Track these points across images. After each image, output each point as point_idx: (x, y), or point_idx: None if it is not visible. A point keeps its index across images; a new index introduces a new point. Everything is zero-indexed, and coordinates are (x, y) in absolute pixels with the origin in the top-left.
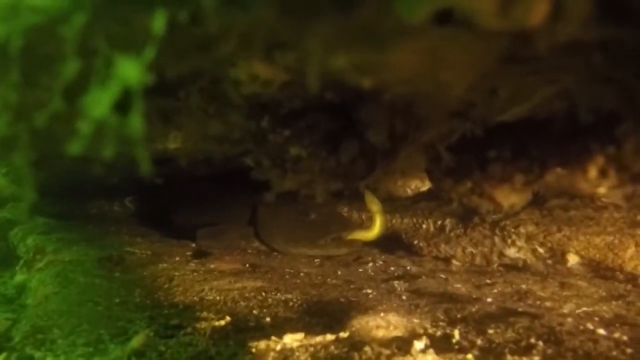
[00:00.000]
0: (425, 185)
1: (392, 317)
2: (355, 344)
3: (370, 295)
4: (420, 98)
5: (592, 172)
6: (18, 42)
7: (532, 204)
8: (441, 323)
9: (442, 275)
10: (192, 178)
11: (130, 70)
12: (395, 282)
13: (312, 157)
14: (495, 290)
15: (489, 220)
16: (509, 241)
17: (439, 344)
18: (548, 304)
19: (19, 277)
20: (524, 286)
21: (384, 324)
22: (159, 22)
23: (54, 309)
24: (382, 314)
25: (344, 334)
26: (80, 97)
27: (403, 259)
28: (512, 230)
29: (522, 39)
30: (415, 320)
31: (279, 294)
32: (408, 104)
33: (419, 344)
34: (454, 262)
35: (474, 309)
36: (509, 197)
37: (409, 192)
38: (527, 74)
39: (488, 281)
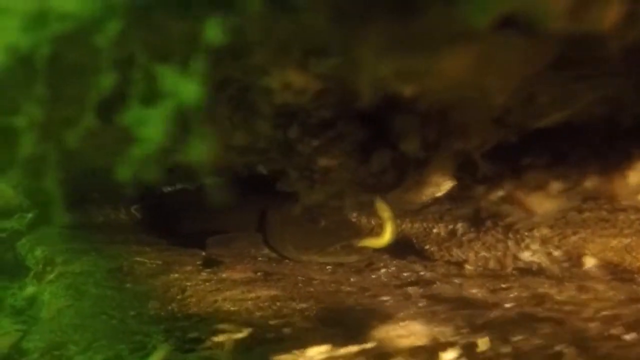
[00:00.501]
0: (441, 192)
1: (414, 326)
2: (383, 355)
3: (387, 303)
4: (461, 105)
5: (633, 178)
6: (45, 52)
7: None
8: (463, 330)
9: (456, 281)
10: (199, 186)
11: (186, 86)
12: (410, 289)
13: (342, 167)
14: (511, 295)
15: (501, 224)
16: (523, 245)
17: (468, 353)
18: (567, 308)
19: (30, 289)
20: (540, 290)
21: (405, 333)
22: (213, 31)
23: (68, 323)
24: (402, 323)
25: (368, 345)
26: (118, 114)
27: (415, 264)
28: (526, 233)
29: (583, 42)
30: (437, 329)
31: (293, 303)
32: (444, 111)
33: (449, 354)
34: (467, 266)
35: (494, 315)
36: (543, 204)
37: (424, 198)
38: (571, 79)
39: (503, 285)
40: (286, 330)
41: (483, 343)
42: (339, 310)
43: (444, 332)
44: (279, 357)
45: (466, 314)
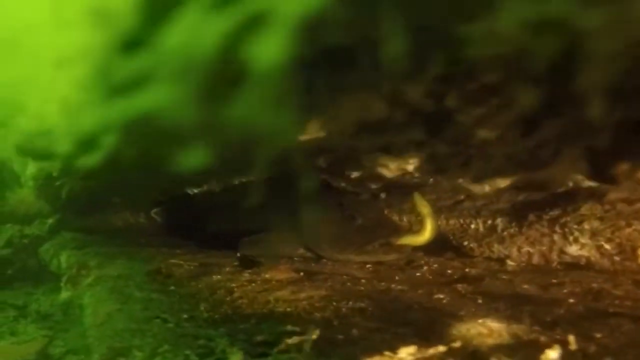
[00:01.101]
0: (505, 183)
1: (491, 324)
2: (474, 353)
3: (445, 301)
4: None
5: None
6: None
7: (590, 198)
8: (536, 328)
9: (504, 277)
10: (225, 187)
11: None
12: (459, 286)
13: (501, 140)
14: (565, 290)
15: (546, 217)
16: (571, 238)
17: (565, 352)
18: (628, 303)
19: (64, 294)
20: (594, 285)
21: (486, 332)
22: None
23: (123, 327)
24: (480, 320)
25: (455, 344)
26: None
27: (454, 261)
28: (575, 227)
29: None
30: (515, 326)
31: (350, 302)
32: None
33: (553, 353)
34: (509, 262)
35: (561, 312)
36: None
37: (487, 189)
38: None
39: (554, 281)
40: (354, 331)
41: (571, 341)
42: (399, 310)
43: (522, 329)
44: (370, 358)
45: (530, 310)
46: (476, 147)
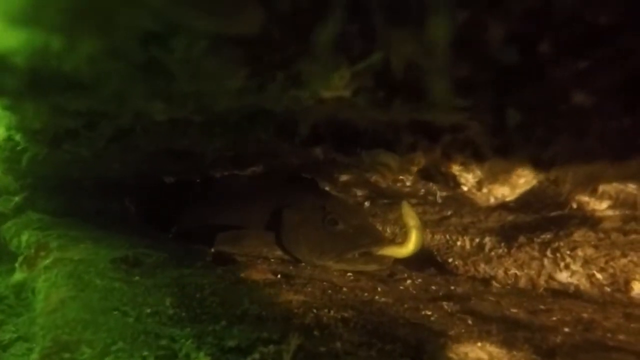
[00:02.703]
0: (514, 195)
1: (490, 348)
2: None
3: (432, 318)
4: None
5: None
6: None
7: (584, 225)
8: (535, 357)
9: (491, 298)
10: (206, 179)
11: None
12: (445, 303)
13: (598, 110)
14: (554, 318)
15: (537, 240)
16: (562, 264)
17: None
18: (622, 337)
19: (18, 275)
20: (585, 315)
21: (486, 357)
22: None
23: (76, 317)
24: (479, 344)
25: None
26: None
27: (436, 277)
28: (568, 252)
29: None
30: (515, 353)
31: (331, 311)
32: None
33: None
34: (494, 283)
35: (559, 341)
36: None
37: (492, 201)
38: None
39: (542, 307)
40: (338, 344)
41: None
42: (385, 323)
43: (523, 357)
44: None
45: (525, 336)
46: (567, 115)
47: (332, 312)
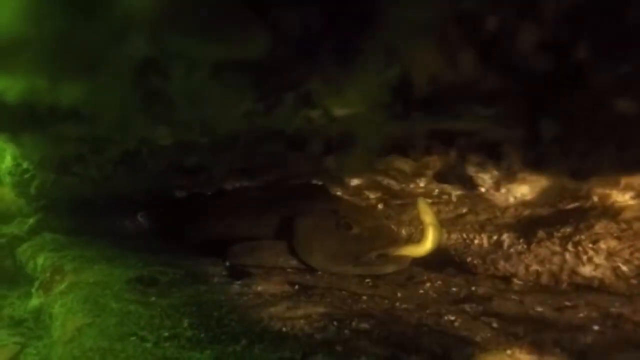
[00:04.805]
0: (534, 193)
1: (521, 355)
2: None
3: (456, 323)
4: None
5: None
6: None
7: (604, 216)
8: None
9: (513, 297)
10: (218, 191)
11: None
12: (467, 306)
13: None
14: (581, 314)
15: (557, 235)
16: (585, 258)
17: None
18: None
19: (35, 301)
20: (612, 309)
21: None
22: None
23: (92, 346)
24: (508, 352)
25: None
26: None
27: (455, 277)
28: (590, 245)
29: None
30: (547, 358)
31: (352, 322)
32: None
33: None
34: (515, 281)
35: (588, 340)
36: None
37: (511, 200)
38: None
39: (567, 303)
40: (363, 359)
41: None
42: (408, 333)
43: None
44: None
45: (554, 338)
46: (607, 126)
47: (353, 324)
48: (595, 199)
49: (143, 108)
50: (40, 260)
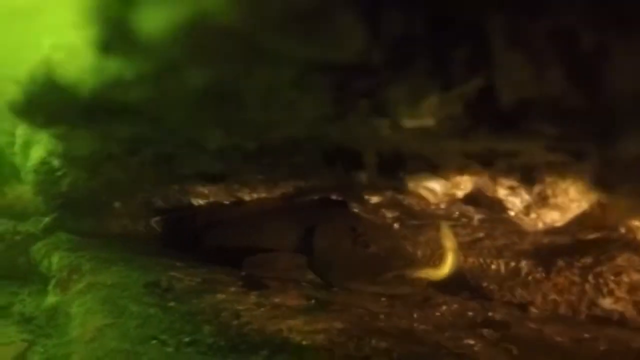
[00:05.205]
0: (564, 220)
1: None
2: None
3: (476, 348)
4: None
5: None
6: None
7: (627, 249)
8: None
9: (531, 325)
10: (235, 201)
11: None
12: (485, 331)
13: None
14: (601, 348)
15: (577, 264)
16: (605, 290)
17: None
18: None
19: (51, 299)
20: (634, 345)
21: None
22: None
23: (115, 347)
24: None
25: None
26: None
27: (471, 302)
28: (612, 278)
29: None
30: None
31: (372, 340)
32: None
33: None
34: (532, 309)
35: None
36: None
37: (540, 226)
38: None
39: (587, 335)
40: None
41: None
42: (428, 355)
43: None
44: None
45: None
46: None
47: (372, 342)
48: (623, 230)
49: (207, 107)
50: (55, 259)
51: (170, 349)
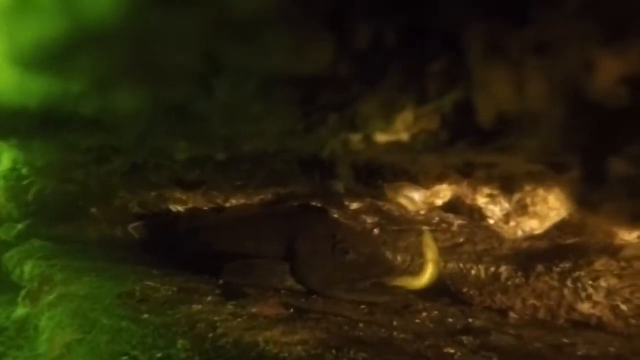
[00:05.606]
0: (543, 228)
1: None
2: None
3: (456, 356)
4: None
5: None
6: None
7: (604, 254)
8: None
9: (511, 331)
10: (214, 208)
11: None
12: (464, 338)
13: None
14: (580, 353)
15: (556, 270)
16: (584, 295)
17: None
18: None
19: (21, 311)
20: (612, 349)
21: None
22: None
23: None
24: None
25: None
26: None
27: (451, 308)
28: (590, 283)
29: None
30: None
31: (351, 351)
32: None
33: None
34: (512, 314)
35: None
36: None
37: (520, 234)
38: None
39: (565, 340)
40: None
41: None
42: None
43: None
44: None
45: None
46: None
47: (351, 353)
48: (601, 235)
49: (169, 121)
50: (27, 268)
51: None
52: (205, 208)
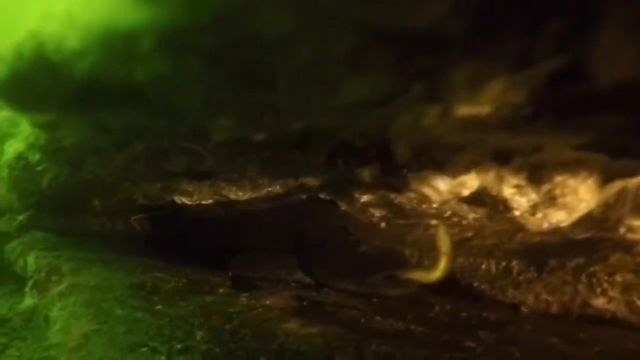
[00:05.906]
0: (570, 220)
1: None
2: None
3: (477, 350)
4: None
5: None
6: None
7: (618, 249)
8: None
9: (526, 325)
10: (220, 200)
11: None
12: (481, 332)
13: None
14: (597, 349)
15: (570, 264)
16: (599, 290)
17: None
18: None
19: (29, 301)
20: (630, 345)
21: None
22: None
23: (103, 356)
24: None
25: None
26: None
27: (461, 302)
28: (605, 278)
29: None
30: None
31: (372, 344)
32: None
33: None
34: (523, 309)
35: None
36: None
37: (545, 226)
38: None
39: (581, 335)
40: None
41: None
42: (430, 358)
43: None
44: None
45: None
46: None
47: (373, 346)
48: (622, 230)
49: (227, 87)
50: (31, 259)
51: (162, 357)
52: (211, 200)
